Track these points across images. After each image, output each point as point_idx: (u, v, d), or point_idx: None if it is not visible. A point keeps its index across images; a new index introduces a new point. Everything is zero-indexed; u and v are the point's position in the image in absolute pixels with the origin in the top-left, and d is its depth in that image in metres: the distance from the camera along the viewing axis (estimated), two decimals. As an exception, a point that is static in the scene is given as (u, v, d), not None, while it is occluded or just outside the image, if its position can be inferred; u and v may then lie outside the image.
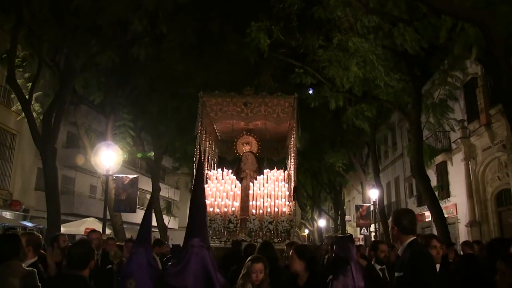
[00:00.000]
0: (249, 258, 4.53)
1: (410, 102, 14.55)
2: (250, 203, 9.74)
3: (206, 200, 3.96)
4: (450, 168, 22.26)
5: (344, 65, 13.84)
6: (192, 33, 16.48)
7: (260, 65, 17.73)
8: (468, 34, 7.91)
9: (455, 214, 21.48)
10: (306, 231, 51.08)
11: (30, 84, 15.43)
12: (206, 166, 10.98)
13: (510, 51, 7.63)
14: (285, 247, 6.17)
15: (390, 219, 4.00)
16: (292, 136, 10.49)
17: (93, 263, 3.96)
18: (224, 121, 11.33)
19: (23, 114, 15.58)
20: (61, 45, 14.93)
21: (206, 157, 11.11)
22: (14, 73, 13.92)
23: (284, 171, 10.95)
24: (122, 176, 16.72)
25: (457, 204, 21.32)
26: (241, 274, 4.47)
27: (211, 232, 9.12)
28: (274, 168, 11.16)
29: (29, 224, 21.41)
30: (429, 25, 9.62)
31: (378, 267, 5.81)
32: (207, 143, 11.25)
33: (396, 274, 3.64)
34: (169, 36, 16.22)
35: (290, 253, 4.70)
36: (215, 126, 11.91)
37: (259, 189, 10.02)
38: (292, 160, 10.32)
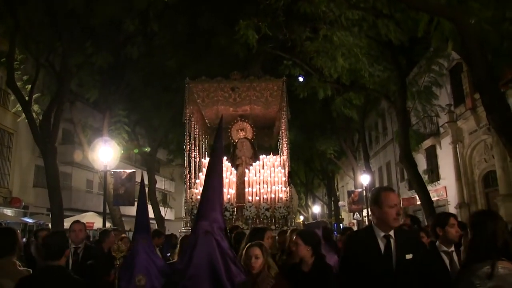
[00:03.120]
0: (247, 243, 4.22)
1: (396, 90, 15.01)
2: (246, 190, 9.46)
3: (222, 177, 3.26)
4: (439, 152, 22.82)
5: (331, 56, 14.20)
6: (182, 29, 16.81)
7: (250, 58, 18.08)
8: (444, 28, 8.35)
9: (445, 196, 22.06)
10: (301, 218, 51.76)
11: (29, 86, 15.83)
12: (197, 154, 10.75)
13: (482, 44, 8.12)
14: (288, 233, 5.88)
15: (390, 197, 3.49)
16: (283, 120, 10.19)
17: (68, 252, 3.93)
18: (212, 107, 10.98)
19: (23, 115, 15.98)
20: (55, 46, 15.26)
21: (196, 145, 10.81)
22: (13, 77, 14.31)
23: (280, 157, 10.72)
24: (120, 171, 17.17)
25: (447, 186, 21.89)
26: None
27: None
28: (270, 154, 10.92)
29: (29, 221, 21.87)
30: (409, 19, 10.07)
31: (444, 248, 4.29)
32: (196, 130, 10.92)
33: (407, 256, 3.36)
34: (160, 33, 16.56)
35: (294, 239, 4.52)
36: (203, 113, 11.62)
37: (255, 176, 9.73)
38: (285, 145, 10.06)
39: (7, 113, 21.83)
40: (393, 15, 10.91)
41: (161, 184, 38.43)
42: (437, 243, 4.40)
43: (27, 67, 17.43)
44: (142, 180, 4.07)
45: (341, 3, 11.25)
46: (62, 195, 16.65)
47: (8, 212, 21.76)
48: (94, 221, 20.91)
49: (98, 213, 21.31)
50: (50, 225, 16.71)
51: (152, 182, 24.83)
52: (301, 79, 18.35)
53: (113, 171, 16.71)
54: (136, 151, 25.23)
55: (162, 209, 28.01)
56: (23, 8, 13.43)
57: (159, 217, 24.83)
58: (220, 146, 3.14)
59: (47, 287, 3.31)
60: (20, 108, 16.00)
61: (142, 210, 3.51)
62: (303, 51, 15.56)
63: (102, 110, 19.75)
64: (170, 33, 16.90)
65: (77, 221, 6.71)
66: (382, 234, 3.42)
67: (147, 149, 25.44)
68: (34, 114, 15.87)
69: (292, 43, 15.24)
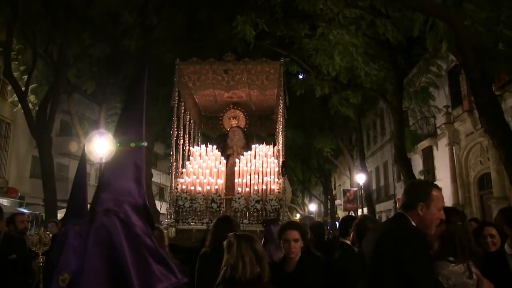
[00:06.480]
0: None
1: (392, 90, 15.02)
2: (236, 180, 8.81)
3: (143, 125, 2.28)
4: (435, 153, 22.90)
5: (329, 54, 14.20)
6: (181, 23, 16.75)
7: (248, 54, 18.01)
8: (439, 28, 8.36)
9: (440, 197, 22.11)
10: (298, 216, 51.79)
11: (26, 76, 15.86)
12: (187, 142, 10.11)
13: (476, 46, 8.14)
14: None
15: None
16: (280, 107, 9.49)
17: None
18: (204, 92, 10.25)
19: (19, 106, 15.99)
20: (54, 37, 15.27)
21: (187, 133, 10.09)
22: (10, 67, 14.33)
23: (273, 147, 10.06)
24: (115, 164, 17.12)
25: (442, 188, 21.56)
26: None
27: (191, 213, 8.24)
28: (263, 143, 10.22)
29: (25, 211, 21.86)
30: (405, 18, 10.08)
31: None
32: (187, 117, 10.15)
33: None
34: (159, 26, 16.51)
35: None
36: (196, 100, 10.87)
37: (246, 166, 9.07)
38: (280, 134, 9.41)
39: (5, 103, 21.88)
40: (390, 15, 10.91)
41: (158, 178, 38.38)
42: (506, 245, 3.91)
43: (25, 58, 17.46)
44: (83, 153, 3.02)
45: (338, 1, 11.21)
46: (59, 186, 16.66)
47: (4, 202, 21.82)
48: (90, 212, 20.92)
49: (94, 205, 21.22)
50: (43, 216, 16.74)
51: (149, 176, 24.80)
52: (300, 76, 18.33)
53: (108, 164, 16.67)
54: (132, 144, 25.02)
55: (158, 203, 27.99)
56: (22, -3, 13.47)
57: (155, 211, 24.81)
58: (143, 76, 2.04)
59: None
60: (17, 98, 16.04)
61: (79, 191, 2.63)
62: (301, 48, 15.55)
63: (100, 102, 19.74)
64: (169, 26, 16.82)
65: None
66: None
67: (144, 144, 25.27)
68: (30, 105, 15.91)
69: (290, 40, 15.21)
